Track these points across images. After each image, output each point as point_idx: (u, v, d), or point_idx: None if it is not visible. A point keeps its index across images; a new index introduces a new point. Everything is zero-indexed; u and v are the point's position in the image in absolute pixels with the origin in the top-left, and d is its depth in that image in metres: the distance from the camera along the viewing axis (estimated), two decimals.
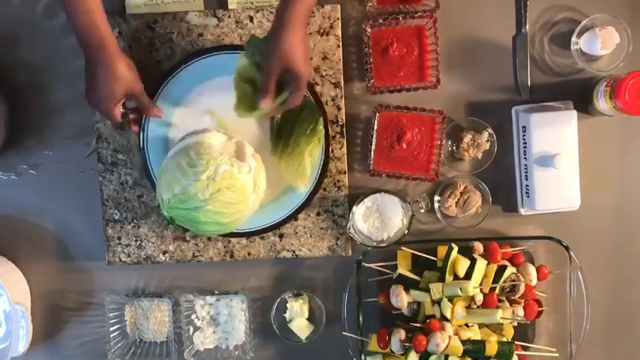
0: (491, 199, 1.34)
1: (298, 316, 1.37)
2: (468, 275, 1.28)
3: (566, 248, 1.32)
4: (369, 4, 1.32)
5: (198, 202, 1.19)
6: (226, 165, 1.20)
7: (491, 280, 1.30)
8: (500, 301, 1.31)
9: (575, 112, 1.32)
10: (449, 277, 1.29)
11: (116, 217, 1.37)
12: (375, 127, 1.33)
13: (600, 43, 1.30)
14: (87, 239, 1.40)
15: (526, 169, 1.34)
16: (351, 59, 1.36)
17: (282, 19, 1.17)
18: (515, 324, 1.33)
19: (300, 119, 1.29)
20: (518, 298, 1.32)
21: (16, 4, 1.38)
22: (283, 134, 1.32)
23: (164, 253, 1.38)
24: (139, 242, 1.38)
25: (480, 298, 1.29)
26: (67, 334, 1.42)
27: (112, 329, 1.38)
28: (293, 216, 1.34)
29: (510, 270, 1.31)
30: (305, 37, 1.19)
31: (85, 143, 1.38)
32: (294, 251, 1.37)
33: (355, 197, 1.34)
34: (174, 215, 1.22)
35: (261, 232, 1.34)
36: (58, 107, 1.38)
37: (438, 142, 1.32)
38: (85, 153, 1.39)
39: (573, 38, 1.33)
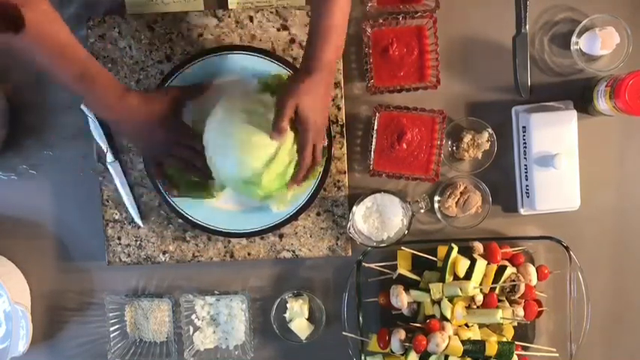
0: (491, 199, 1.34)
1: (298, 316, 1.37)
2: (468, 275, 1.28)
3: (566, 248, 1.32)
4: (369, 4, 1.32)
5: None
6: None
7: (491, 280, 1.30)
8: (500, 301, 1.31)
9: (575, 112, 1.32)
10: (449, 277, 1.29)
11: (116, 217, 1.37)
12: (375, 127, 1.33)
13: (600, 43, 1.30)
14: (87, 239, 1.40)
15: (526, 169, 1.34)
16: (351, 59, 1.36)
17: (309, 64, 1.13)
18: (515, 324, 1.33)
19: None
20: (518, 298, 1.32)
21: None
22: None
23: (164, 253, 1.38)
24: (139, 242, 1.38)
25: (479, 298, 1.29)
26: (67, 334, 1.42)
27: (112, 329, 1.38)
28: (294, 217, 1.34)
29: (510, 270, 1.31)
30: (330, 87, 1.17)
31: (86, 143, 1.38)
32: (294, 251, 1.37)
33: (355, 197, 1.34)
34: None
35: (261, 233, 1.34)
36: (58, 107, 1.38)
37: (438, 142, 1.32)
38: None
39: (573, 38, 1.33)
